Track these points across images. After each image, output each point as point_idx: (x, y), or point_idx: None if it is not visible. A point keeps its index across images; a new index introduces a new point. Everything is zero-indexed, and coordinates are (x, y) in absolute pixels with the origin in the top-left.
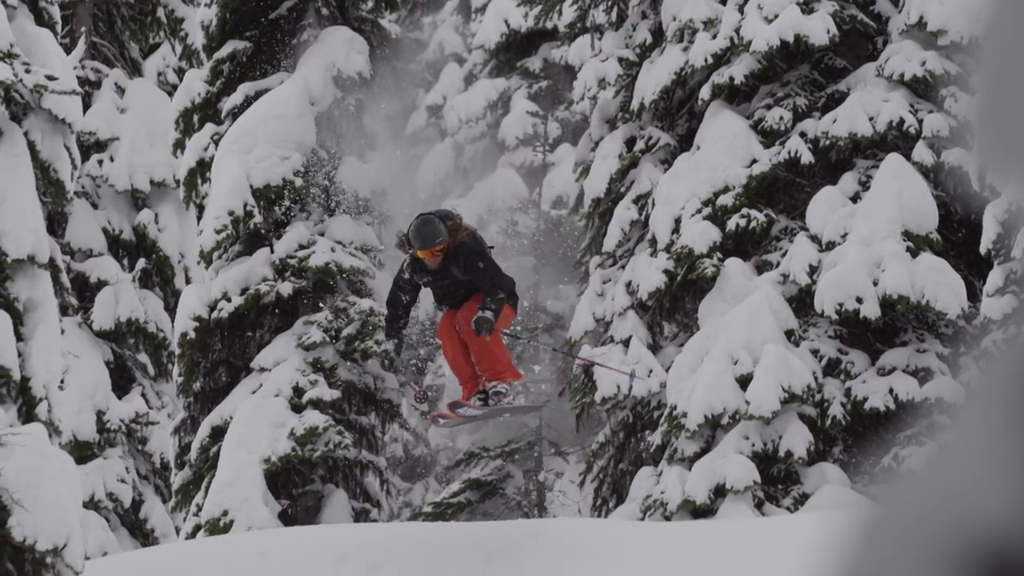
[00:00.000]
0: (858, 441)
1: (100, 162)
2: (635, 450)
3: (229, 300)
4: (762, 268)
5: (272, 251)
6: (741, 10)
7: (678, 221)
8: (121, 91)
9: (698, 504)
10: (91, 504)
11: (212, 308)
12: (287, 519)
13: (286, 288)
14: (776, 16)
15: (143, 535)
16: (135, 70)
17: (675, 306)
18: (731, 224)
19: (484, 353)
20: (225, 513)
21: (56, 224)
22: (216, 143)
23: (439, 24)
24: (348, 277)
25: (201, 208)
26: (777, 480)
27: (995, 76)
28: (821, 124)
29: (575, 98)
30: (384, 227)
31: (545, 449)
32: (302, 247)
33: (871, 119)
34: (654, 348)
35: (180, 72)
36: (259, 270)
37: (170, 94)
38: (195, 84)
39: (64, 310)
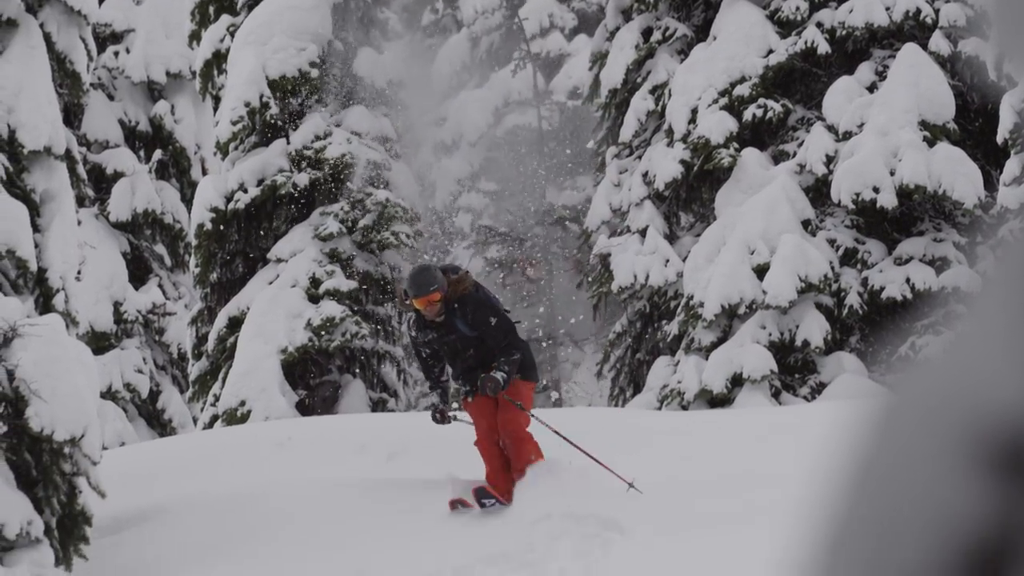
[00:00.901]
0: (875, 330)
1: (116, 54)
2: (652, 340)
3: (245, 191)
4: (779, 158)
5: (288, 142)
6: None
7: (694, 111)
8: None
9: (715, 393)
10: (108, 394)
11: (228, 199)
12: (304, 409)
13: (302, 179)
14: None
15: (160, 425)
16: None
17: (692, 196)
18: (747, 114)
19: (519, 451)
20: (242, 403)
21: (72, 116)
22: (232, 35)
23: None
24: (364, 168)
25: (217, 100)
26: (794, 369)
27: None
28: (837, 14)
29: None
30: (400, 118)
31: (561, 338)
32: (318, 138)
33: (887, 9)
34: (671, 238)
35: None
36: (275, 161)
37: None
38: None
39: (81, 201)
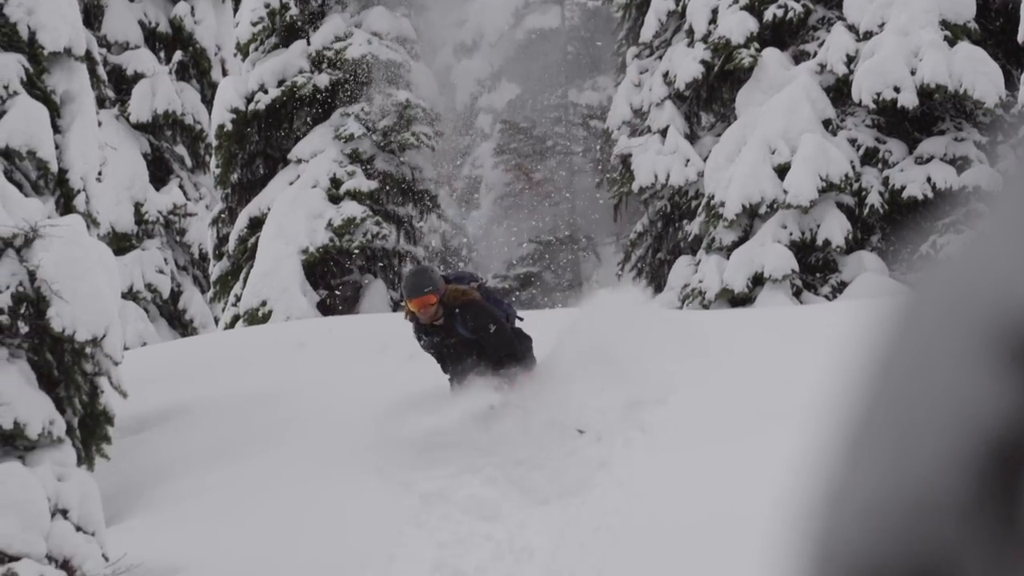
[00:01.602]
0: (896, 229)
1: None
2: (673, 239)
3: (266, 92)
4: (799, 58)
5: (308, 43)
6: None
7: (715, 11)
8: None
9: (736, 292)
10: (130, 295)
11: (249, 100)
12: (325, 309)
13: (323, 80)
14: None
15: (182, 325)
16: None
17: (712, 96)
18: (768, 14)
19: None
20: (264, 303)
21: (92, 17)
22: None
23: None
24: (385, 68)
25: (237, 1)
26: (815, 268)
27: None
28: None
29: None
30: (420, 19)
31: (582, 239)
32: (338, 39)
33: None
34: (691, 138)
35: None
36: (296, 62)
37: None
38: None
39: (101, 103)
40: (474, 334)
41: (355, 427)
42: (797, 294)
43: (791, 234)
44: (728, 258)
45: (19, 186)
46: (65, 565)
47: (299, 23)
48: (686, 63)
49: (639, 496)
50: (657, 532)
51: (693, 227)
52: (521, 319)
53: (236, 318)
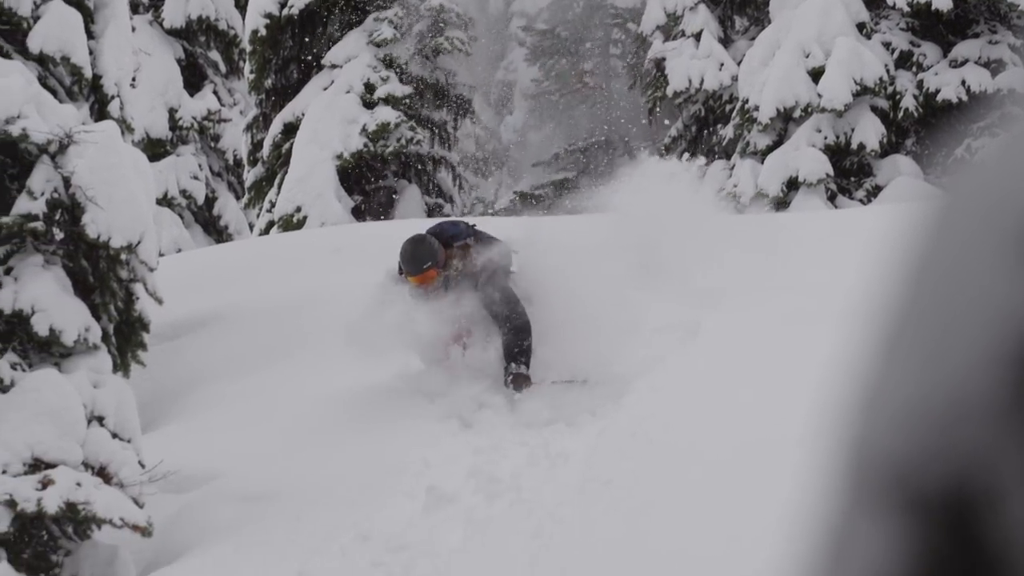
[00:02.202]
0: (930, 133)
1: None
2: (707, 144)
3: None
4: None
5: None
6: None
7: None
8: None
9: (771, 197)
10: (164, 201)
11: (283, 5)
12: (360, 214)
13: None
14: None
15: (217, 232)
16: None
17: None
18: None
19: None
20: (298, 209)
21: None
22: None
23: None
24: None
25: None
26: (850, 172)
27: None
28: None
29: None
30: None
31: (617, 144)
32: None
33: None
34: (725, 42)
35: None
36: None
37: None
38: None
39: (135, 8)
40: (478, 302)
41: (387, 331)
42: (832, 198)
43: (825, 138)
44: (763, 162)
45: (53, 92)
46: (101, 472)
47: None
48: None
49: (676, 400)
50: (694, 435)
51: (727, 131)
52: (516, 252)
53: (271, 224)
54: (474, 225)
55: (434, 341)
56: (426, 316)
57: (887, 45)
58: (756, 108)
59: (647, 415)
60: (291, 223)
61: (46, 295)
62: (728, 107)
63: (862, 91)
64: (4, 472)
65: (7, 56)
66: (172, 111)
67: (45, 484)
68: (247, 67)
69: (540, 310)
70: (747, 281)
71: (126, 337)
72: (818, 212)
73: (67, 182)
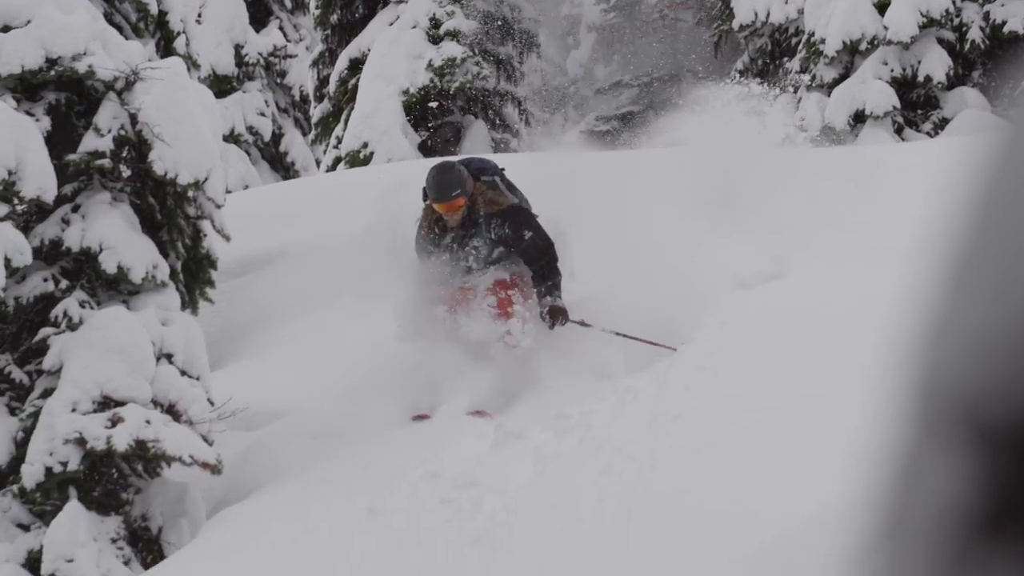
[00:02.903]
0: (997, 65)
1: None
2: (774, 76)
3: None
4: None
5: None
6: None
7: None
8: None
9: (837, 130)
10: (231, 138)
11: None
12: (426, 150)
13: None
14: None
15: (283, 168)
16: None
17: None
18: None
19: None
20: (365, 145)
21: None
22: None
23: None
24: None
25: None
26: (916, 105)
27: None
28: None
29: None
30: None
31: (684, 78)
32: None
33: None
34: None
35: None
36: None
37: None
38: None
39: None
40: (503, 242)
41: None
42: (899, 131)
43: (892, 71)
44: (829, 95)
45: (119, 29)
46: (171, 409)
47: None
48: None
49: (745, 334)
50: (762, 368)
51: (794, 64)
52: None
53: (337, 160)
54: (503, 169)
55: (429, 298)
56: (434, 262)
57: None
58: (822, 41)
59: (713, 350)
60: (358, 159)
61: (114, 232)
62: (794, 40)
63: (928, 23)
64: (74, 410)
65: None
66: (238, 47)
67: (115, 422)
68: (312, 2)
69: (608, 259)
70: (827, 216)
71: (194, 274)
72: (885, 145)
73: (134, 119)
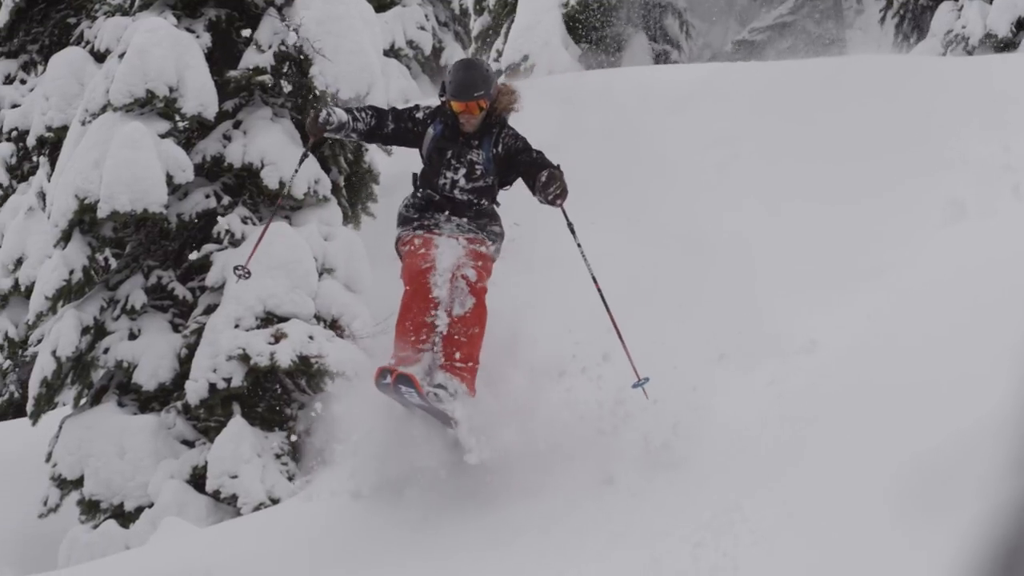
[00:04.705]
0: None
1: None
2: None
3: None
4: None
5: None
6: None
7: None
8: None
9: (1000, 38)
10: (391, 52)
11: None
12: (588, 63)
13: None
14: None
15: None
16: None
17: None
18: None
19: (469, 329)
20: (525, 58)
21: None
22: None
23: None
24: None
25: None
26: None
27: None
28: None
29: None
30: None
31: None
32: None
33: None
34: None
35: None
36: None
37: None
38: None
39: None
40: (507, 159)
41: (605, 178)
42: None
43: None
44: (991, 2)
45: None
46: (333, 324)
47: None
48: None
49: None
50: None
51: None
52: None
53: (499, 73)
54: None
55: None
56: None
57: None
58: None
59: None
60: (519, 72)
61: (275, 148)
62: None
63: None
64: (237, 326)
65: None
66: None
67: (278, 338)
68: None
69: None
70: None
71: (356, 189)
72: None
73: (294, 34)
